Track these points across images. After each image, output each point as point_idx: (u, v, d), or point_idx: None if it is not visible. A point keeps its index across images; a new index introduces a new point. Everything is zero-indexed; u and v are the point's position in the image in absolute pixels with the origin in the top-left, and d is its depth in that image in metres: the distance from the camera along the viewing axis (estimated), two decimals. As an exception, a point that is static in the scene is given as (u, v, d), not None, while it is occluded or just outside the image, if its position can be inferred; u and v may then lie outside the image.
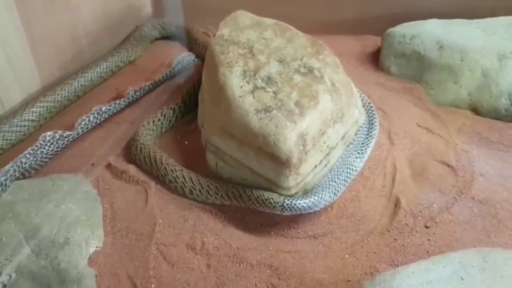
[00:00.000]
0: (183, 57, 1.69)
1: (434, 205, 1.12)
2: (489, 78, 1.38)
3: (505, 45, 1.42)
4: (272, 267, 0.99)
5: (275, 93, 1.13)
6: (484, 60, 1.41)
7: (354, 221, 1.10)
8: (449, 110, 1.42)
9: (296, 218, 1.09)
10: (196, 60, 1.73)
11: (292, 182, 1.06)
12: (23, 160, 1.16)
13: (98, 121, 1.40)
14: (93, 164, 1.29)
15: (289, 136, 1.03)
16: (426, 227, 1.07)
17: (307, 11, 1.89)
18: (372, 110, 1.32)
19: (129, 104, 1.52)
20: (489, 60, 1.41)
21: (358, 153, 1.20)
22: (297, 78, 1.18)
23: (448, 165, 1.23)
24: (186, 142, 1.36)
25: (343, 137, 1.18)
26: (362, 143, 1.23)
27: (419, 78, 1.52)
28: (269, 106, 1.10)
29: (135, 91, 1.51)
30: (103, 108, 1.41)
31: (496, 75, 1.38)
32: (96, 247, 1.01)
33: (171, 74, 1.65)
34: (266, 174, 1.08)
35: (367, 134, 1.24)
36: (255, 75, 1.19)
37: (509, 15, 1.59)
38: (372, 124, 1.28)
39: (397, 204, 1.13)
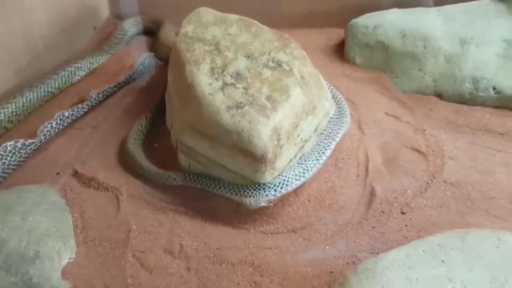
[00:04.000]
0: (144, 58, 1.65)
1: (408, 191, 1.13)
2: (452, 63, 1.41)
3: (465, 31, 1.46)
4: (254, 265, 0.98)
5: (245, 88, 1.12)
6: (447, 47, 1.44)
7: (332, 212, 1.10)
8: (415, 97, 1.45)
9: (275, 214, 1.08)
10: (158, 61, 1.69)
11: (269, 177, 1.04)
12: (-16, 173, 1.10)
13: (61, 127, 1.35)
14: (58, 173, 1.23)
15: (263, 132, 1.02)
16: (402, 213, 1.09)
17: (268, 6, 1.88)
18: (342, 101, 1.33)
19: (92, 108, 1.46)
20: (451, 46, 1.44)
21: (330, 137, 1.20)
22: (266, 72, 1.17)
23: (419, 151, 1.25)
24: (155, 145, 1.33)
25: (315, 129, 1.18)
26: (332, 130, 1.23)
27: (384, 67, 1.53)
28: (241, 102, 1.08)
29: (98, 94, 1.46)
30: (66, 113, 1.36)
31: (459, 61, 1.41)
32: (69, 258, 0.97)
33: (134, 75, 1.61)
34: (242, 171, 1.06)
35: (339, 123, 1.24)
36: (223, 71, 1.17)
37: (467, 1, 1.62)
38: (343, 114, 1.28)
39: (372, 192, 1.13)
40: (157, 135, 1.36)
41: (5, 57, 1.50)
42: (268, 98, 1.09)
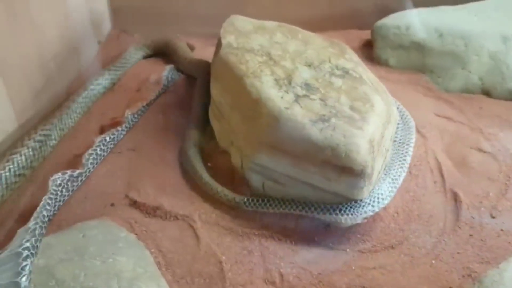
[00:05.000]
0: (168, 71, 1.56)
1: (491, 194, 1.11)
2: (498, 60, 1.41)
3: (504, 27, 1.47)
4: (366, 288, 0.92)
5: (322, 100, 1.05)
6: (489, 44, 1.44)
7: (422, 223, 1.06)
8: (462, 97, 1.44)
9: (368, 230, 1.03)
10: (180, 73, 1.60)
11: (366, 193, 0.98)
12: (45, 214, 0.98)
13: (105, 154, 1.23)
14: (112, 204, 1.12)
15: (361, 145, 0.96)
16: (493, 217, 1.06)
17: (284, 11, 1.83)
18: (400, 105, 1.29)
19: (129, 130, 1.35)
20: (493, 44, 1.44)
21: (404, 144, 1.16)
22: (337, 81, 1.11)
23: (485, 151, 1.23)
24: (209, 164, 1.23)
25: (391, 137, 1.13)
26: (402, 136, 1.19)
27: (422, 67, 1.52)
28: (324, 115, 1.01)
29: (133, 114, 1.35)
30: (107, 138, 1.24)
31: (504, 58, 1.41)
32: (169, 302, 0.87)
33: (163, 91, 1.51)
34: (334, 189, 0.99)
35: (406, 128, 1.21)
36: (290, 83, 1.10)
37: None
38: (406, 118, 1.24)
39: (456, 198, 1.10)
40: (208, 154, 1.26)
41: (20, 79, 1.35)
42: (352, 108, 1.03)
